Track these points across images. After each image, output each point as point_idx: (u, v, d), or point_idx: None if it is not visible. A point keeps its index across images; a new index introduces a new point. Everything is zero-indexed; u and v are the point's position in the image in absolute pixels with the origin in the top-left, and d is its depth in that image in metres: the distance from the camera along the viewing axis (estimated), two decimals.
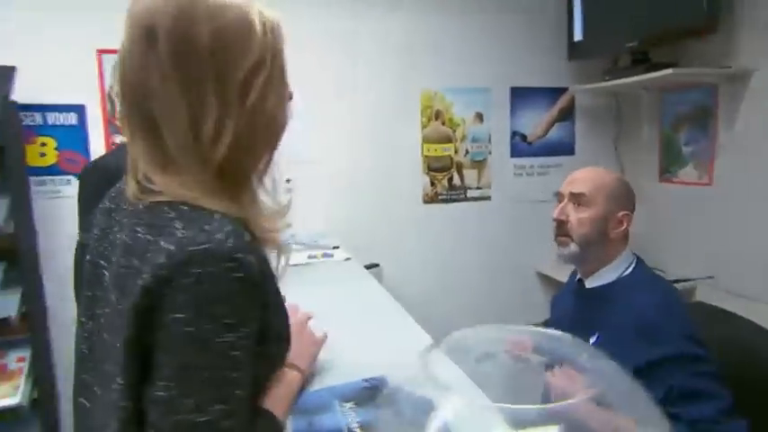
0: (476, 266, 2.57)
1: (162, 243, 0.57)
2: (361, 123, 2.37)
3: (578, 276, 1.41)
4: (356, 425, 0.81)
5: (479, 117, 2.52)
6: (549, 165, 2.62)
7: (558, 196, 1.38)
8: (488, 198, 2.58)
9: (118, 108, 0.64)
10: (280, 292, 0.69)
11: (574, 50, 2.46)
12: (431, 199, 2.50)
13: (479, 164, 2.55)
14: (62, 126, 2.02)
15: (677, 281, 2.22)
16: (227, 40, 0.61)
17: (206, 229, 0.57)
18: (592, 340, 1.27)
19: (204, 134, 0.61)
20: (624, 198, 1.33)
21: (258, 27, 0.64)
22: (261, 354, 0.63)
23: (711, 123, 2.13)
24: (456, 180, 2.53)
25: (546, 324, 1.52)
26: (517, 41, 2.51)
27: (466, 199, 2.55)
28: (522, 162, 2.60)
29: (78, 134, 2.02)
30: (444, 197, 2.52)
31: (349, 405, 0.87)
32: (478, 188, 2.56)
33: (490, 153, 2.56)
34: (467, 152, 2.53)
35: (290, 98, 0.70)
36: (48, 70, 1.97)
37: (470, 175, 2.55)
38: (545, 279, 2.65)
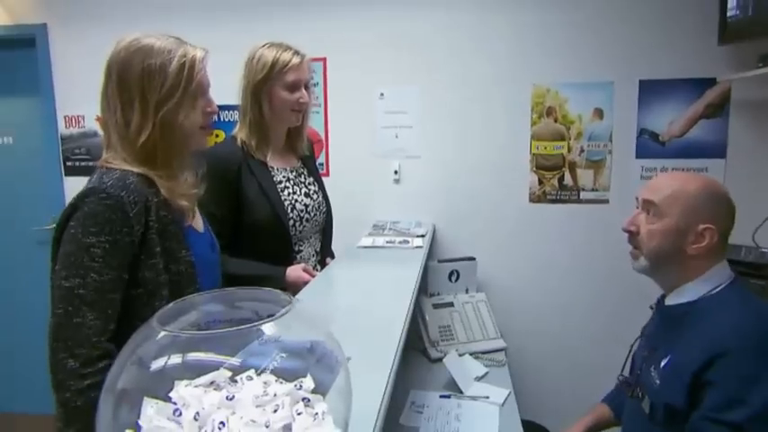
0: (583, 272, 2.40)
1: (83, 188, 0.99)
2: (469, 120, 2.43)
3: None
4: (273, 367, 1.03)
5: (599, 113, 2.32)
6: (688, 168, 2.25)
7: (636, 202, 1.26)
8: (605, 201, 2.37)
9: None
10: (178, 226, 1.05)
11: (726, 31, 2.05)
12: (538, 198, 2.43)
13: (596, 164, 2.36)
14: (230, 122, 2.66)
15: None
16: (151, 74, 1.01)
17: (102, 178, 0.98)
18: (663, 362, 1.15)
19: (131, 131, 1.02)
20: (708, 210, 1.14)
21: (175, 66, 1.00)
22: (146, 263, 0.98)
23: None
24: (567, 180, 2.39)
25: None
26: (648, 26, 2.22)
27: (578, 201, 2.39)
28: (651, 164, 2.30)
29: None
30: (553, 197, 2.41)
31: (282, 354, 1.08)
32: (594, 190, 2.37)
33: (610, 153, 2.34)
34: (582, 151, 2.36)
35: (214, 113, 1.08)
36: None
37: (585, 176, 2.37)
38: None
